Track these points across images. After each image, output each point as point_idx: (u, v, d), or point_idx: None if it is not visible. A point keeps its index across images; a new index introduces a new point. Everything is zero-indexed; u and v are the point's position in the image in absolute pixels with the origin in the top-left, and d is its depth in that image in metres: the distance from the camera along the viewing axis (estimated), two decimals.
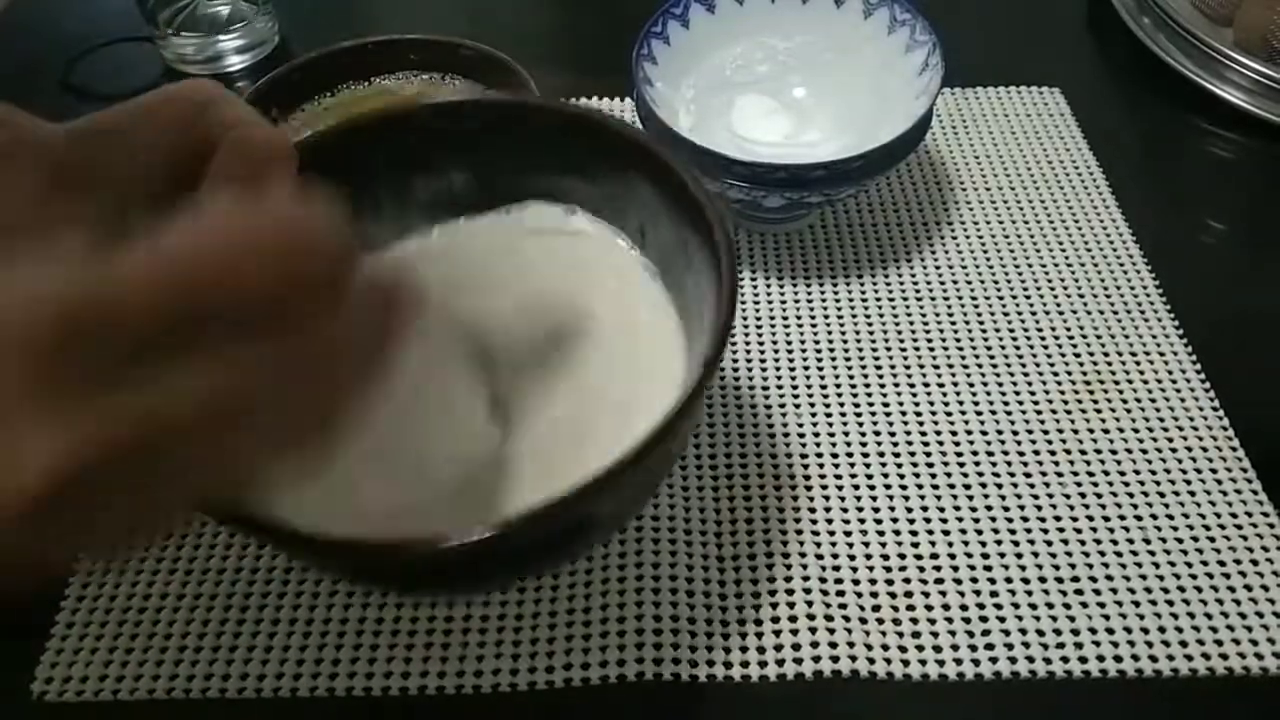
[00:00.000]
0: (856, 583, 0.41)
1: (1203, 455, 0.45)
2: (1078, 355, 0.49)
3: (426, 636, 0.40)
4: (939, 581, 0.41)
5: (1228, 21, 0.64)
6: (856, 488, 0.44)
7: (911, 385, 0.48)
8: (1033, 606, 0.40)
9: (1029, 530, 0.43)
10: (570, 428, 0.36)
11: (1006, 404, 0.47)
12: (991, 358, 0.49)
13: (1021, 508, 0.44)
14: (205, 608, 0.41)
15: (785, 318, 0.51)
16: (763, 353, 0.50)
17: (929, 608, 0.40)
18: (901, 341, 0.50)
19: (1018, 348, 0.50)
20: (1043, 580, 0.41)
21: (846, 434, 0.46)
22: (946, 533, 0.43)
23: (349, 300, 0.23)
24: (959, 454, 0.46)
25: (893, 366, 0.49)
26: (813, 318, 0.51)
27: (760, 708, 0.38)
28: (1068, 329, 0.51)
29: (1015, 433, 0.46)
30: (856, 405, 0.48)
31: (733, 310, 0.32)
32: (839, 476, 0.45)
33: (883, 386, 0.48)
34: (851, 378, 0.49)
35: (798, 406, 0.47)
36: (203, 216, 0.21)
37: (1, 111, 0.23)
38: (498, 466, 0.35)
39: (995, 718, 0.38)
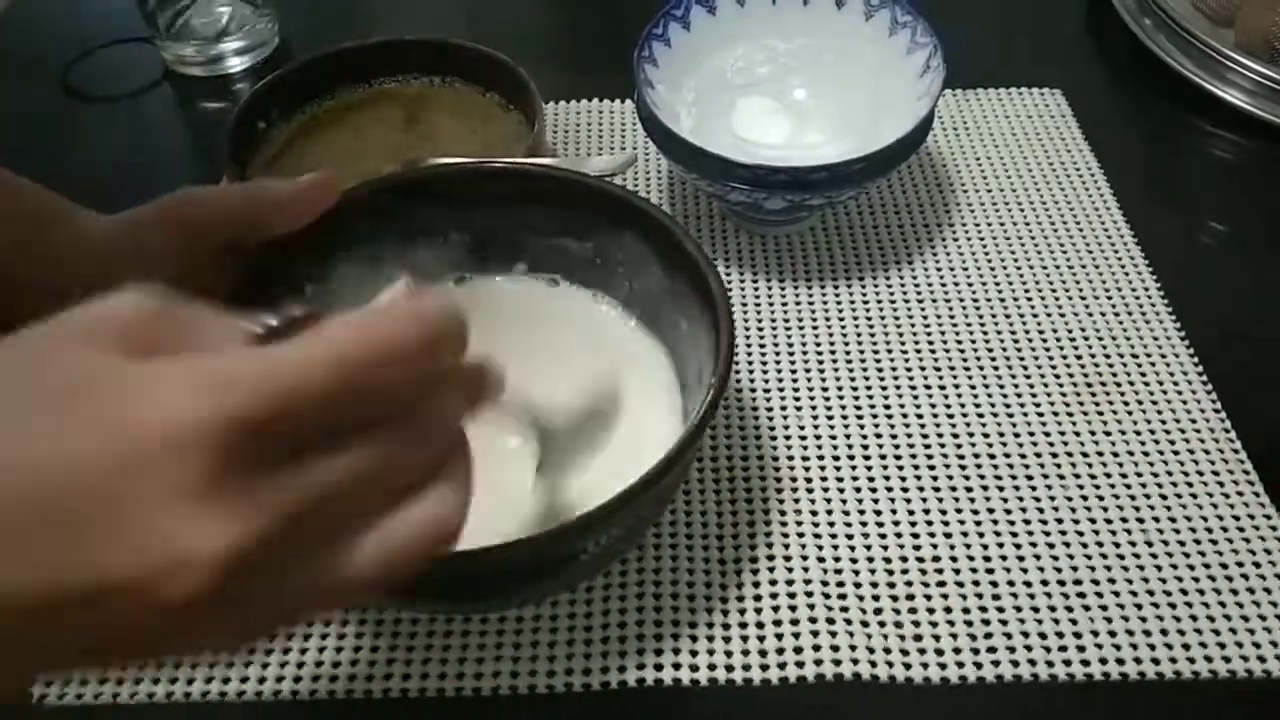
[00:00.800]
0: (858, 585, 0.41)
1: (1204, 457, 0.45)
2: (1079, 357, 0.49)
3: (427, 639, 0.40)
4: (940, 584, 0.41)
5: (1229, 23, 0.64)
6: (858, 490, 0.44)
7: (913, 387, 0.48)
8: (1034, 609, 0.40)
9: (1030, 533, 0.43)
10: (594, 492, 0.37)
11: (1008, 406, 0.47)
12: (993, 359, 0.49)
13: (1023, 510, 0.43)
14: None
15: (786, 320, 0.51)
16: (764, 355, 0.50)
17: (930, 610, 0.40)
18: (903, 343, 0.50)
19: (1019, 349, 0.50)
20: (1044, 583, 0.41)
21: (847, 436, 0.46)
22: (948, 535, 0.43)
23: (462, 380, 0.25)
24: (960, 456, 0.45)
25: (894, 368, 0.49)
26: (814, 320, 0.51)
27: (762, 711, 0.38)
28: (1069, 331, 0.51)
29: (1016, 435, 0.46)
30: (858, 407, 0.47)
31: (728, 373, 0.35)
32: (840, 479, 0.45)
33: (884, 389, 0.48)
34: (853, 380, 0.49)
35: (799, 409, 0.47)
36: (358, 315, 0.23)
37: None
38: (534, 523, 0.38)
39: None
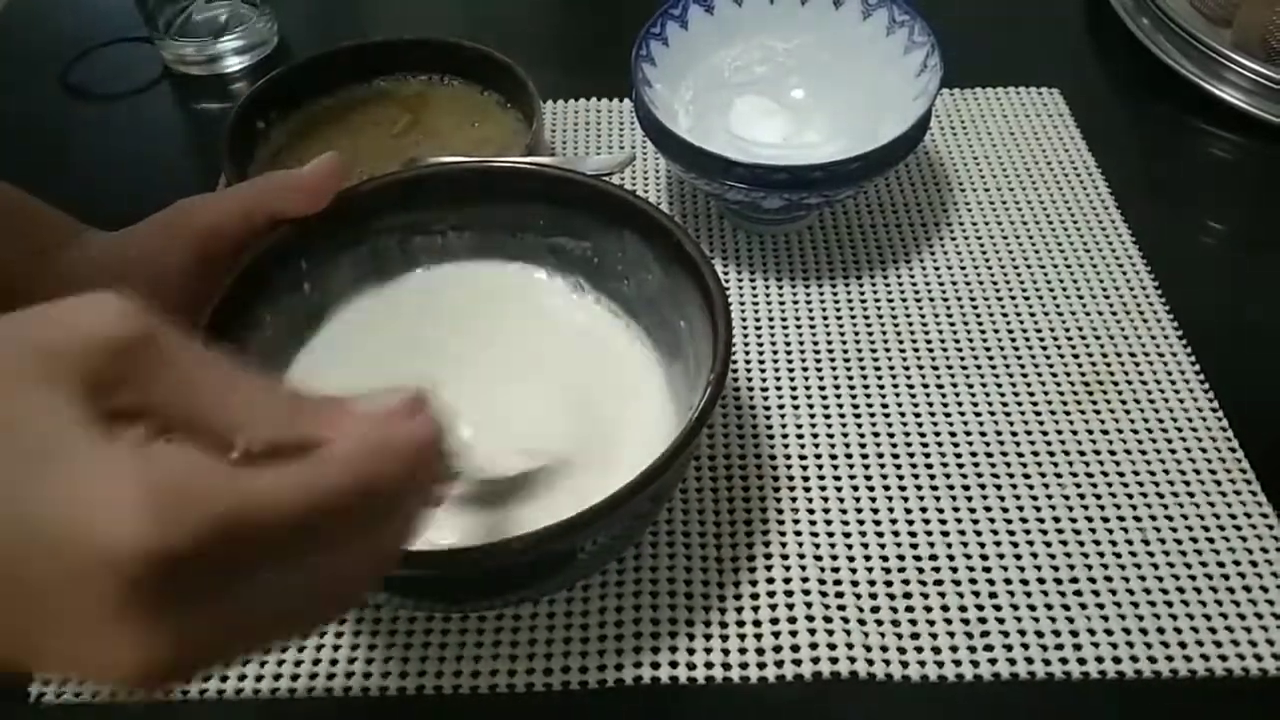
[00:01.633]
0: (856, 584, 0.41)
1: (1202, 456, 0.45)
2: (1076, 356, 0.49)
3: (425, 637, 0.40)
4: (938, 583, 0.41)
5: (1226, 22, 0.64)
6: (855, 489, 0.44)
7: (910, 386, 0.48)
8: (1032, 608, 0.40)
9: (1028, 531, 0.43)
10: (592, 491, 0.37)
11: (1005, 405, 0.47)
12: (990, 358, 0.49)
13: (1020, 509, 0.44)
14: None
15: (784, 319, 0.51)
16: (761, 354, 0.50)
17: (928, 609, 0.40)
18: (900, 342, 0.50)
19: (1016, 348, 0.50)
20: (1042, 581, 0.41)
21: (845, 435, 0.46)
22: (945, 534, 0.43)
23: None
24: (958, 455, 0.46)
25: (891, 367, 0.49)
26: (811, 319, 0.51)
27: (760, 709, 0.38)
28: (1066, 330, 0.51)
29: (1014, 433, 0.46)
30: (855, 406, 0.48)
31: (725, 371, 0.35)
32: (838, 478, 0.45)
33: (881, 388, 0.48)
34: (850, 379, 0.49)
35: (796, 408, 0.47)
36: (349, 448, 0.22)
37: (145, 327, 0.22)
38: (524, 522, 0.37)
39: (994, 719, 0.38)
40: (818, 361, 0.49)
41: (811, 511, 0.43)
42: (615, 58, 0.55)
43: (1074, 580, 0.41)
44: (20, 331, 0.20)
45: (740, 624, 0.40)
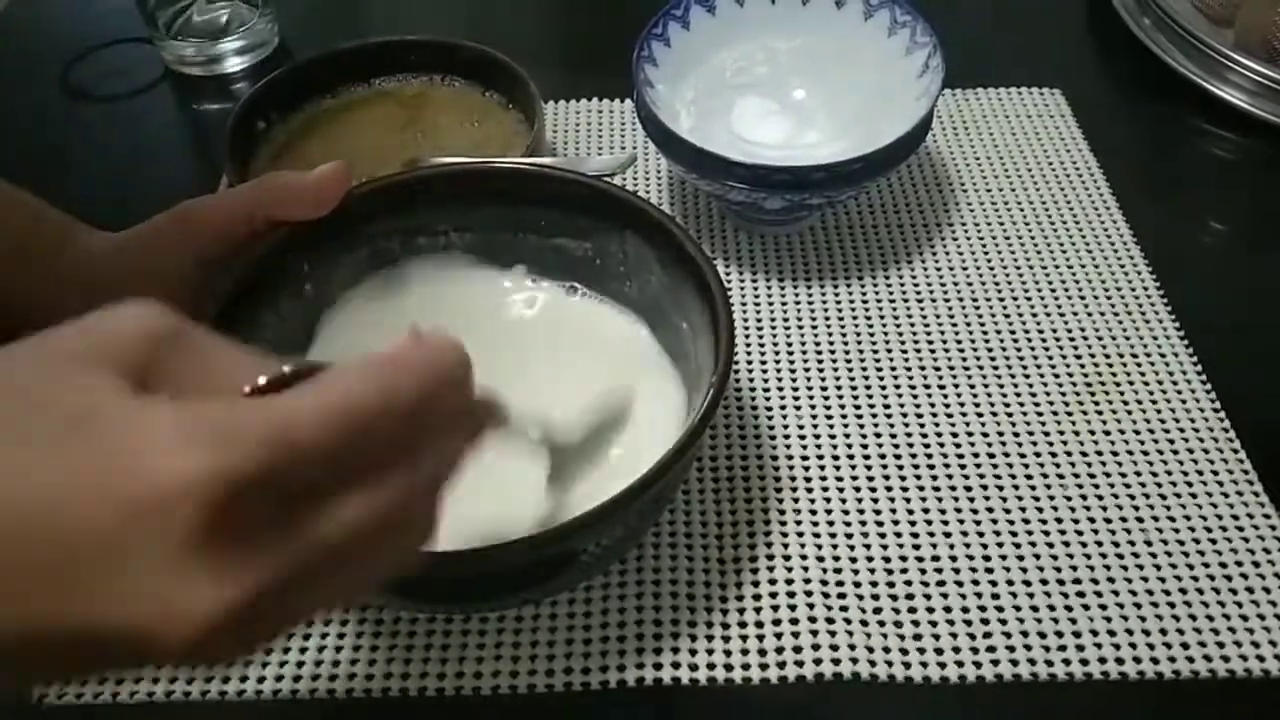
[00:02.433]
0: (857, 585, 0.41)
1: (1203, 457, 0.45)
2: (1078, 356, 0.49)
3: (427, 639, 0.40)
4: (940, 583, 0.41)
5: (1228, 22, 0.64)
6: (857, 489, 0.44)
7: (912, 387, 0.48)
8: (1034, 608, 0.40)
9: (1030, 532, 0.43)
10: (594, 493, 0.37)
11: (1007, 406, 0.47)
12: (992, 359, 0.49)
13: (1022, 509, 0.43)
14: None
15: (785, 320, 0.51)
16: (763, 355, 0.50)
17: (930, 610, 0.40)
18: (902, 343, 0.50)
19: (1018, 349, 0.50)
20: (1044, 582, 0.41)
21: (847, 436, 0.46)
22: (947, 534, 0.43)
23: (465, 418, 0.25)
24: (960, 456, 0.45)
25: (893, 368, 0.49)
26: (813, 319, 0.51)
27: (762, 710, 0.38)
28: (1068, 330, 0.51)
29: (1016, 434, 0.46)
30: (857, 407, 0.47)
31: (728, 373, 0.36)
32: (840, 478, 0.45)
33: (883, 388, 0.48)
34: (852, 379, 0.49)
35: (798, 408, 0.47)
36: (361, 362, 0.22)
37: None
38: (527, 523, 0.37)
39: (996, 719, 0.38)
40: (819, 362, 0.49)
41: (813, 512, 0.43)
42: (617, 58, 0.55)
43: (1076, 580, 0.41)
44: (72, 330, 0.22)
45: (742, 625, 0.40)
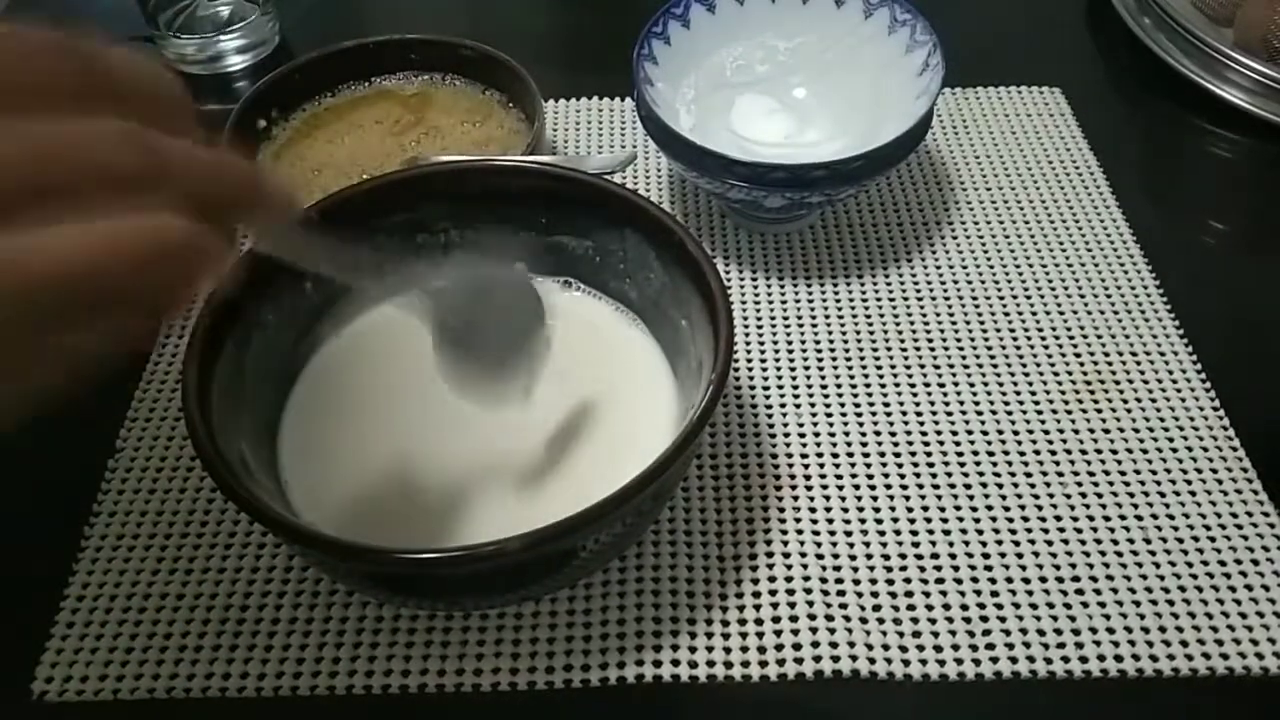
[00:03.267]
0: (857, 582, 0.41)
1: (1203, 455, 0.45)
2: (1078, 355, 0.49)
3: (426, 635, 0.40)
4: (939, 581, 0.41)
5: (1228, 21, 0.64)
6: (857, 487, 0.44)
7: (912, 385, 0.48)
8: (1033, 606, 0.40)
9: (1029, 530, 0.43)
10: (594, 489, 0.36)
11: (1007, 404, 0.47)
12: (992, 357, 0.49)
13: (1022, 507, 0.44)
14: (205, 608, 0.41)
15: (785, 318, 0.51)
16: (763, 353, 0.50)
17: (929, 607, 0.40)
18: (902, 341, 0.50)
19: (1018, 347, 0.50)
20: (1043, 580, 0.41)
21: (846, 434, 0.46)
22: (947, 532, 0.43)
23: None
24: (959, 454, 0.46)
25: (893, 366, 0.49)
26: (813, 318, 0.51)
27: (760, 707, 0.38)
28: (1068, 329, 0.51)
29: (1015, 432, 0.46)
30: (857, 405, 0.48)
31: (727, 370, 0.35)
32: (839, 476, 0.45)
33: (883, 386, 0.48)
34: (852, 377, 0.49)
35: (798, 406, 0.47)
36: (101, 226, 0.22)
37: None
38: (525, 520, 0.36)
39: (995, 718, 0.38)
40: (819, 360, 0.49)
41: (813, 510, 0.43)
42: (617, 57, 0.55)
43: (1075, 579, 0.41)
44: None
45: (742, 622, 0.40)
